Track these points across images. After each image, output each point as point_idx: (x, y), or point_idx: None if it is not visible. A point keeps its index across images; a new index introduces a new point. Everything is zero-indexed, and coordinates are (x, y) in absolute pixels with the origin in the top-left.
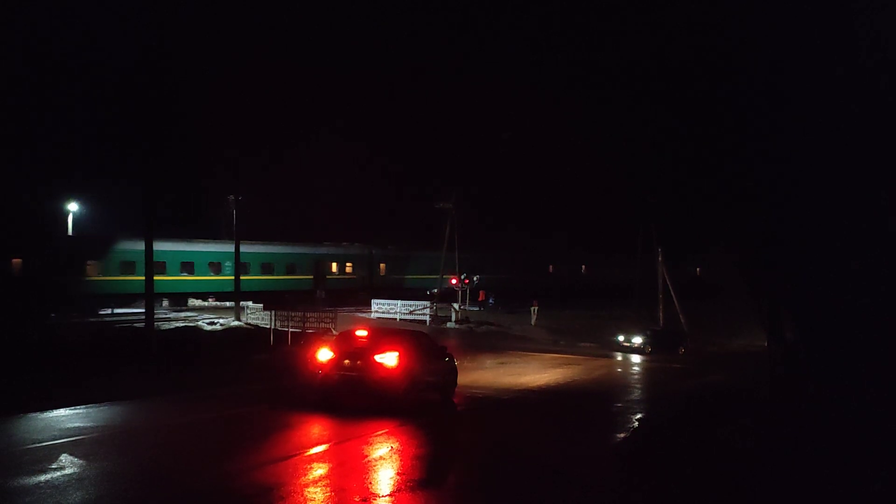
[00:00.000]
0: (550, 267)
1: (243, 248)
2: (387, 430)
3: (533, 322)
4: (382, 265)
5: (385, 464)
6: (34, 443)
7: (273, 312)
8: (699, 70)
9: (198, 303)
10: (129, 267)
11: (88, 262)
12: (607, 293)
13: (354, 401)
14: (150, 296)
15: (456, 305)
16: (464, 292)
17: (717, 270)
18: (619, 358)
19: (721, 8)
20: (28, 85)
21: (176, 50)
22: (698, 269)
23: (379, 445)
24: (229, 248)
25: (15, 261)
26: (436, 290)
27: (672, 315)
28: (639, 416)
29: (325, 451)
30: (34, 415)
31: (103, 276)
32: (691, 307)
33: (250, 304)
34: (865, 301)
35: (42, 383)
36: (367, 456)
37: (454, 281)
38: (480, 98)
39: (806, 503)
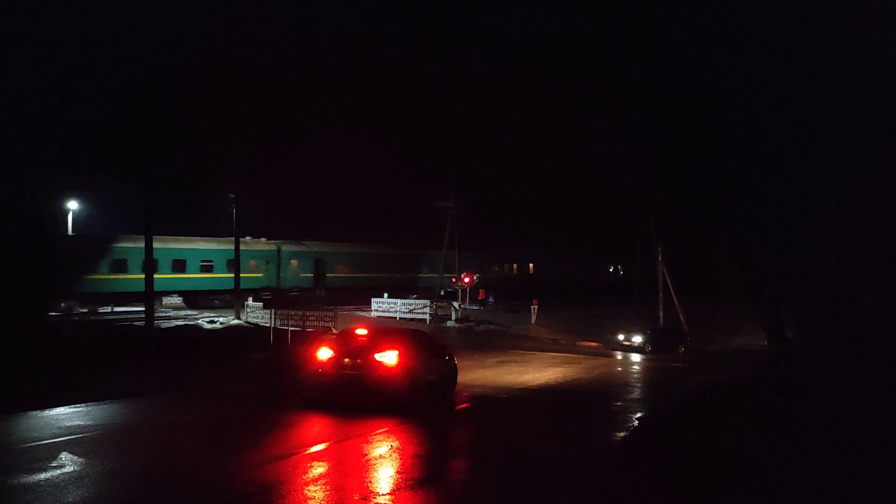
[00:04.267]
0: (551, 266)
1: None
2: (387, 428)
3: (533, 321)
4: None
5: (385, 462)
6: (34, 441)
7: (273, 311)
8: (699, 69)
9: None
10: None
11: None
12: (607, 292)
13: (354, 399)
14: (149, 294)
15: (456, 304)
16: (463, 291)
17: (717, 269)
18: (619, 357)
19: (721, 7)
20: (27, 84)
21: (176, 48)
22: (698, 268)
23: (379, 444)
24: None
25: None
26: (443, 294)
27: (672, 314)
28: (639, 414)
29: (325, 450)
30: (34, 413)
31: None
32: (691, 306)
33: (250, 302)
34: (865, 300)
35: (42, 381)
36: (366, 454)
37: (461, 279)
38: (480, 98)
39: (806, 502)
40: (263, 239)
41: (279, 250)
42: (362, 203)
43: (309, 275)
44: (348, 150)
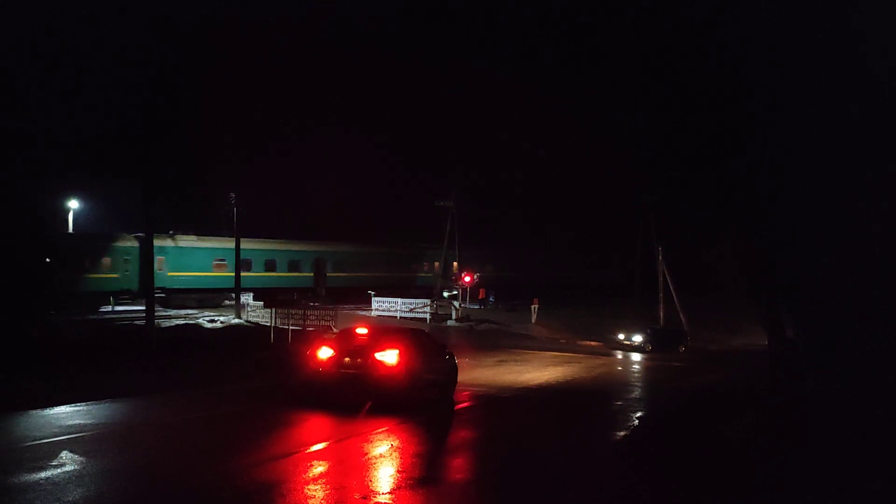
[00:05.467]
0: (552, 265)
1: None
2: (387, 427)
3: (533, 320)
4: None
5: (385, 461)
6: (35, 440)
7: (273, 310)
8: (700, 69)
9: None
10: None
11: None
12: (607, 291)
13: (355, 398)
14: (150, 293)
15: (456, 303)
16: (464, 290)
17: (717, 268)
18: (620, 356)
19: (723, 7)
20: (27, 82)
21: (175, 46)
22: (699, 268)
23: (379, 443)
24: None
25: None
26: (448, 293)
27: (672, 313)
28: (639, 413)
29: (325, 449)
30: (34, 412)
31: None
32: (691, 305)
33: (251, 301)
34: (865, 300)
35: (42, 380)
36: (367, 454)
37: (464, 279)
38: (480, 96)
39: (805, 502)
40: (124, 234)
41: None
42: (349, 200)
43: (180, 274)
44: (345, 149)
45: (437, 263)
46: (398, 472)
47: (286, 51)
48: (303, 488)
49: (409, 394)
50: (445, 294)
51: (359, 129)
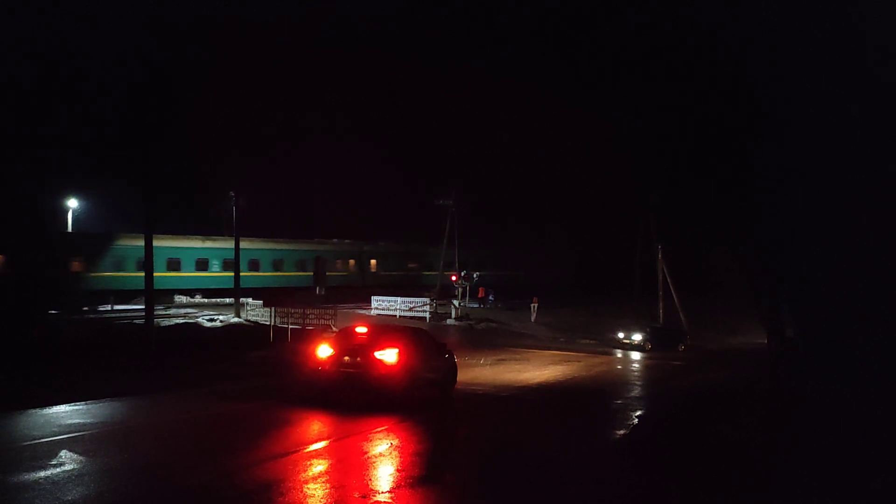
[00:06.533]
0: (554, 264)
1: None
2: (386, 426)
3: (533, 319)
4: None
5: (385, 460)
6: (34, 439)
7: (273, 309)
8: (702, 70)
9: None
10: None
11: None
12: (608, 290)
13: (354, 397)
14: (149, 292)
15: (456, 302)
16: (463, 289)
17: (717, 268)
18: (619, 355)
19: (723, 7)
20: (27, 82)
21: (175, 46)
22: (699, 267)
23: (379, 442)
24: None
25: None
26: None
27: (672, 312)
28: (639, 412)
29: (324, 448)
30: (34, 411)
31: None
32: (691, 304)
33: (250, 300)
34: (865, 300)
35: (42, 379)
36: (366, 452)
37: (454, 278)
38: (480, 96)
39: (805, 501)
40: None
41: None
42: (348, 199)
43: None
44: (344, 149)
45: (408, 263)
46: (398, 470)
47: (286, 51)
48: (302, 487)
49: (409, 392)
50: (456, 298)
51: (358, 129)
